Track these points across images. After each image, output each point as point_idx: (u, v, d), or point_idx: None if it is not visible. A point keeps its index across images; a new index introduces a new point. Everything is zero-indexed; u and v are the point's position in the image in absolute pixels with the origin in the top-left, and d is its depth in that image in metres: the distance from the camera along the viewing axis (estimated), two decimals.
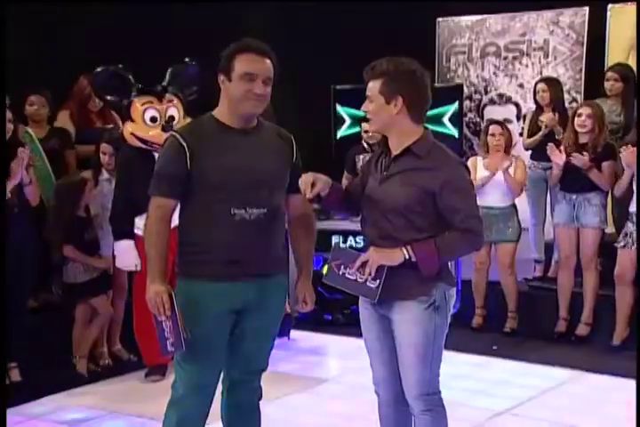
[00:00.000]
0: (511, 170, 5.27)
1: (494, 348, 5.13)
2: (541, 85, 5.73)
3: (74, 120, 5.31)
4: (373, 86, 2.68)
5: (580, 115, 5.04)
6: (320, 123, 6.99)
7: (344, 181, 5.96)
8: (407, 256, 2.63)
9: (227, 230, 2.71)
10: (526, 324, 5.41)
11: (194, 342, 2.73)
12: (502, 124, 5.51)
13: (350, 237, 5.68)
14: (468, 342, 5.09)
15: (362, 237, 5.13)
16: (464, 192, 2.67)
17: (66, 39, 6.06)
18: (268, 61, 2.74)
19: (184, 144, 2.70)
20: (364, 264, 2.66)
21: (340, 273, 2.73)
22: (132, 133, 4.31)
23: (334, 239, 5.64)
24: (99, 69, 4.39)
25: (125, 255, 4.35)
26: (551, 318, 5.29)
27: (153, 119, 4.31)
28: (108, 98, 4.49)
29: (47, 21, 6.00)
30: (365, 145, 5.86)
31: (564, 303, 5.25)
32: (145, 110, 4.31)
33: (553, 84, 5.76)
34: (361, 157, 5.88)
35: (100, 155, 4.70)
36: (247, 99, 2.70)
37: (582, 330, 5.17)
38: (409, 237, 2.65)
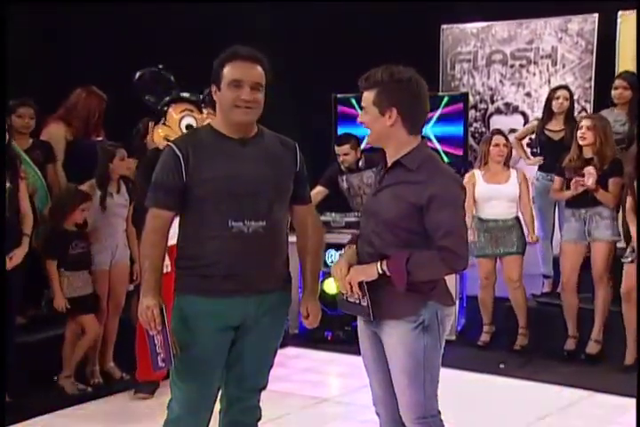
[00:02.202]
0: (515, 185, 5.32)
1: (501, 366, 5.12)
2: (564, 92, 5.75)
3: (73, 132, 5.33)
4: (367, 97, 2.67)
5: (580, 127, 5.07)
6: (321, 132, 7.01)
7: (315, 195, 5.61)
8: (380, 270, 2.62)
9: (224, 244, 2.70)
10: (535, 341, 5.42)
11: (190, 360, 2.73)
12: (505, 135, 5.56)
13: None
14: (473, 360, 5.09)
15: None
16: (450, 208, 2.60)
17: (52, 47, 6.10)
18: (258, 67, 2.74)
19: (179, 154, 2.70)
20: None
21: (345, 298, 2.76)
22: (164, 137, 4.27)
23: (331, 253, 5.67)
24: (145, 69, 4.37)
25: None
26: (560, 336, 5.29)
27: (189, 127, 4.28)
28: (148, 99, 4.43)
29: (31, 27, 6.01)
30: (343, 167, 5.98)
31: (572, 322, 5.26)
32: (183, 117, 4.31)
33: (571, 92, 5.80)
34: (343, 177, 5.96)
35: (117, 161, 4.71)
36: (235, 107, 2.70)
37: (593, 348, 5.16)
38: None
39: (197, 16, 6.73)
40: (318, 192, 5.91)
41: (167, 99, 4.36)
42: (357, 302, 2.71)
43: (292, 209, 2.92)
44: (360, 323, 2.86)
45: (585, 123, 5.06)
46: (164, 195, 2.73)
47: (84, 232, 4.65)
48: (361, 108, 2.73)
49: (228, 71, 2.72)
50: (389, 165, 2.72)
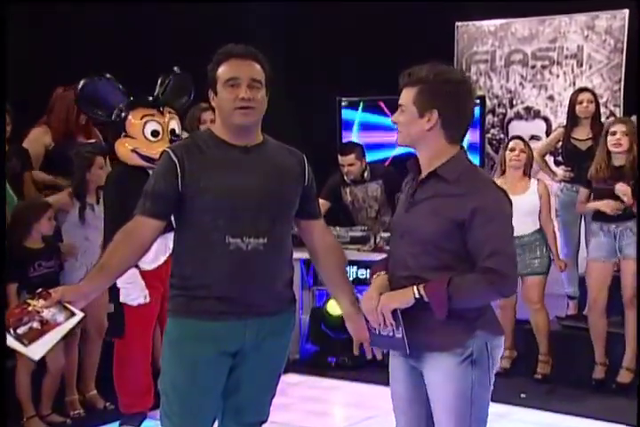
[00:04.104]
0: (534, 196, 5.32)
1: (522, 396, 5.11)
2: (587, 95, 5.76)
3: (54, 136, 5.34)
4: (407, 95, 2.61)
5: (613, 133, 5.04)
6: (322, 140, 7.03)
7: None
8: (417, 296, 2.54)
9: (219, 262, 2.70)
10: (559, 369, 5.38)
11: (182, 389, 2.72)
12: (525, 141, 5.56)
13: (354, 268, 5.71)
14: (493, 389, 5.06)
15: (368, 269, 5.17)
16: (496, 223, 2.52)
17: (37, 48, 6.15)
18: (255, 64, 2.74)
19: (175, 161, 2.70)
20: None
21: (377, 332, 2.66)
22: (133, 151, 4.26)
23: None
24: (84, 80, 4.34)
25: (131, 286, 4.20)
26: (588, 363, 5.25)
27: (155, 133, 4.28)
28: (97, 113, 4.42)
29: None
30: (346, 179, 6.00)
31: (600, 348, 5.22)
32: (145, 124, 4.28)
33: (595, 95, 5.81)
34: (347, 189, 5.98)
35: (95, 170, 4.72)
36: (234, 108, 2.69)
37: (624, 377, 5.13)
38: None
39: (195, 19, 6.83)
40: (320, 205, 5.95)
41: (121, 107, 4.31)
42: (391, 334, 2.60)
43: (300, 224, 2.91)
44: (394, 359, 2.77)
45: (619, 128, 5.04)
46: (151, 202, 2.72)
47: (53, 249, 4.58)
48: (396, 107, 2.66)
49: (223, 71, 2.72)
50: (424, 175, 2.64)
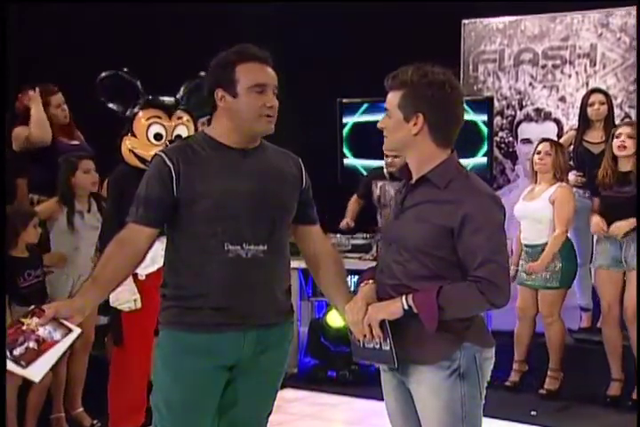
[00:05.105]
0: (544, 202, 5.30)
1: (533, 414, 5.09)
2: (599, 97, 5.76)
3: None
4: (392, 98, 2.62)
5: (618, 135, 5.04)
6: (322, 143, 7.03)
7: (352, 206, 6.11)
8: (406, 306, 2.54)
9: (216, 271, 2.69)
10: (572, 384, 5.37)
11: (176, 405, 2.71)
12: (556, 142, 5.50)
13: (355, 278, 5.69)
14: (500, 405, 5.04)
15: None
16: (487, 231, 2.52)
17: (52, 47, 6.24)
18: (272, 70, 2.77)
19: (170, 165, 2.70)
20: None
21: (361, 344, 2.66)
22: (130, 150, 4.31)
23: None
24: (105, 74, 4.40)
25: (120, 289, 4.17)
26: (602, 378, 5.25)
27: (157, 136, 4.32)
28: (112, 107, 4.46)
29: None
30: (385, 172, 5.97)
31: (616, 362, 5.20)
32: (150, 125, 4.33)
33: (608, 96, 5.80)
34: (379, 183, 5.95)
35: (80, 174, 4.71)
36: (260, 115, 2.70)
37: None
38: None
39: (195, 19, 6.89)
40: (355, 201, 6.15)
41: (135, 105, 4.36)
42: (378, 346, 2.60)
43: (297, 230, 2.91)
44: (384, 373, 2.77)
45: (624, 130, 5.04)
46: (144, 208, 2.72)
47: (39, 257, 4.56)
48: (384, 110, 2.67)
49: (247, 74, 2.71)
50: (414, 181, 2.65)
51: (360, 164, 7.03)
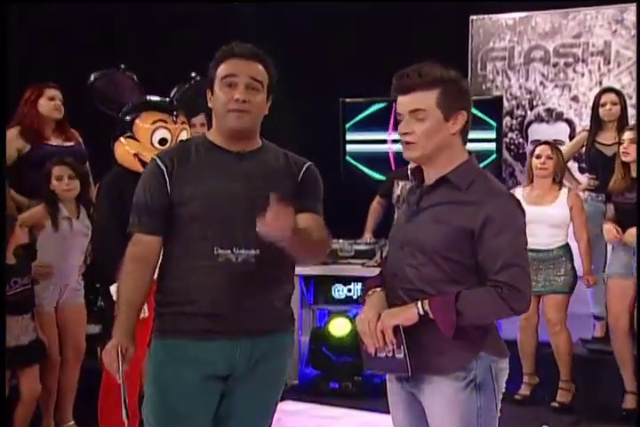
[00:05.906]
0: (562, 207, 5.30)
1: None
2: (611, 96, 5.76)
3: (25, 138, 5.32)
4: (426, 98, 2.55)
5: (622, 141, 5.06)
6: (325, 145, 7.04)
7: (375, 206, 6.25)
8: (421, 312, 2.51)
9: (207, 276, 2.69)
10: (585, 397, 5.35)
11: (168, 417, 2.71)
12: (554, 146, 5.53)
13: (359, 285, 5.69)
14: (511, 419, 5.01)
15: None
16: (509, 234, 2.51)
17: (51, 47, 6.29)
18: (258, 65, 2.75)
19: (163, 168, 2.73)
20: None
21: (373, 354, 2.61)
22: (135, 154, 4.25)
23: (338, 288, 5.66)
24: (98, 73, 4.37)
25: None
26: (617, 390, 5.22)
27: (162, 142, 4.26)
28: (109, 108, 4.42)
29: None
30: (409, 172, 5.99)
31: (629, 374, 5.18)
32: (155, 130, 4.27)
33: (621, 95, 5.80)
34: (401, 183, 5.95)
35: (54, 182, 4.72)
36: (227, 110, 2.71)
37: None
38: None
39: (193, 18, 6.96)
40: (376, 203, 6.27)
41: (132, 106, 4.31)
42: (390, 354, 2.57)
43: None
44: (391, 384, 2.74)
45: (627, 135, 5.05)
46: (148, 216, 2.74)
47: (26, 264, 4.52)
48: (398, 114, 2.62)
49: (222, 69, 2.73)
50: (432, 182, 2.62)
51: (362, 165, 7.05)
